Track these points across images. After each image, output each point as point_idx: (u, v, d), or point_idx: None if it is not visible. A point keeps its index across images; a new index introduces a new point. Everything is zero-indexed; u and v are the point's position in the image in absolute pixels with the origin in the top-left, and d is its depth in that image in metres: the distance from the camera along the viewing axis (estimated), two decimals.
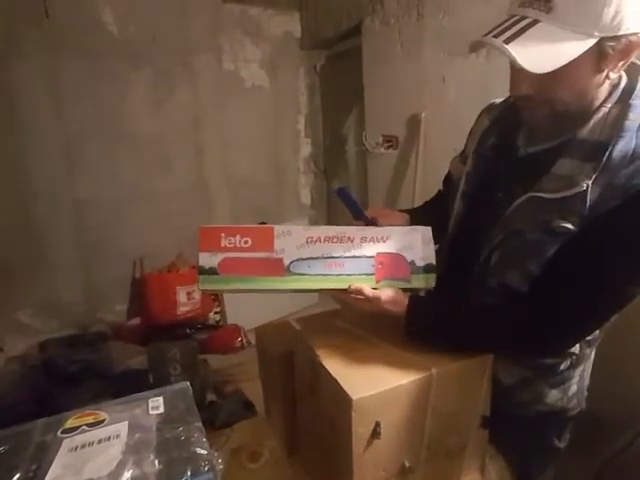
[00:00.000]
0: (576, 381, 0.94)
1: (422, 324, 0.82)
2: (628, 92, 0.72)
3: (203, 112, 3.05)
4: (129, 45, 2.73)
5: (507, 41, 0.66)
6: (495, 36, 0.69)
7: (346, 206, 0.95)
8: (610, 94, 0.73)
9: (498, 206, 0.82)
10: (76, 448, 0.66)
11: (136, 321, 2.86)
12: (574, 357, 0.89)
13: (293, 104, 3.44)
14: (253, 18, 3.14)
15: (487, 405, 0.84)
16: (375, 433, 0.71)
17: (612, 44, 0.65)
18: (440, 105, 2.22)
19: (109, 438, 0.68)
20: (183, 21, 2.88)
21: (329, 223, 3.65)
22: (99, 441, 0.68)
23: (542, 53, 0.64)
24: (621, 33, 0.63)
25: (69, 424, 0.72)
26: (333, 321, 0.99)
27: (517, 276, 0.80)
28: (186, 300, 2.85)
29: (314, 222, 3.59)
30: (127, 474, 0.61)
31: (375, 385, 0.70)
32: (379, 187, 2.75)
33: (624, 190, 0.67)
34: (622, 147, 0.68)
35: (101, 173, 2.78)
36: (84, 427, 0.71)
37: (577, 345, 0.86)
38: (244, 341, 2.65)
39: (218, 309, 3.05)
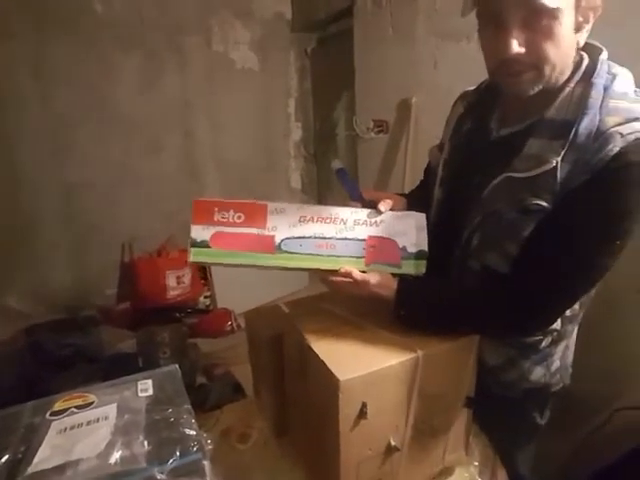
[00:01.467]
0: (558, 357, 0.96)
1: (411, 307, 0.83)
2: (589, 71, 0.75)
3: (192, 95, 3.00)
4: (116, 26, 2.66)
5: None
6: None
7: (343, 186, 0.96)
8: (573, 73, 0.76)
9: (475, 190, 0.84)
10: (65, 430, 0.67)
11: (125, 305, 2.85)
12: (555, 333, 0.91)
13: (283, 87, 3.40)
14: None
15: (472, 386, 0.86)
16: (362, 413, 0.72)
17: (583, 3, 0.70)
18: (431, 90, 2.21)
19: (98, 420, 0.69)
20: (172, 1, 2.81)
21: None
22: (88, 423, 0.68)
23: None
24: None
25: (58, 406, 0.72)
26: (322, 305, 0.99)
27: (496, 257, 0.83)
28: (176, 284, 2.84)
29: None
30: (116, 455, 0.62)
31: (362, 367, 0.71)
32: (369, 171, 2.74)
33: (591, 166, 0.69)
34: (587, 124, 0.70)
35: (89, 157, 2.74)
36: (73, 409, 0.71)
37: (558, 321, 0.88)
38: (234, 325, 2.66)
39: (208, 293, 3.05)
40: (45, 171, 2.63)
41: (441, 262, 0.90)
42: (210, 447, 0.71)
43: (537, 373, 0.95)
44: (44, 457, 0.61)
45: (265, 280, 3.10)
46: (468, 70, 1.97)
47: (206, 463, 0.64)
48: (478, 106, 0.94)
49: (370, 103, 2.69)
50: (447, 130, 1.00)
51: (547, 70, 0.72)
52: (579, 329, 1.02)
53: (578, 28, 0.72)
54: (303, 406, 0.89)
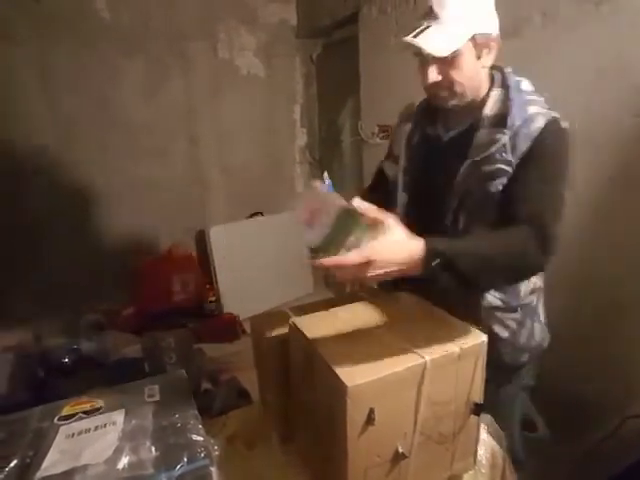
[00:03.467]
0: (543, 314, 1.19)
1: (447, 256, 0.81)
2: (503, 80, 1.06)
3: (197, 101, 3.03)
4: (122, 32, 2.70)
5: (415, 36, 0.97)
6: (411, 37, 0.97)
7: None
8: (492, 84, 1.07)
9: (443, 185, 1.07)
10: (73, 435, 0.67)
11: (131, 310, 2.86)
12: (539, 290, 1.14)
13: (289, 93, 3.42)
14: (249, 5, 3.10)
15: (480, 392, 0.85)
16: (369, 419, 0.71)
17: (480, 39, 0.98)
18: None
19: (105, 425, 0.69)
20: (177, 8, 2.84)
21: None
22: (95, 428, 0.68)
23: (440, 44, 0.96)
24: (482, 32, 0.98)
25: (65, 412, 0.72)
26: (328, 310, 0.99)
27: (483, 226, 1.03)
28: (181, 289, 2.85)
29: None
30: (124, 460, 0.62)
31: (369, 373, 0.71)
32: None
33: (529, 137, 0.97)
34: (517, 112, 0.99)
35: (95, 162, 2.76)
36: (80, 414, 0.71)
37: (541, 278, 1.13)
38: (239, 330, 2.66)
39: (213, 298, 3.05)
40: (51, 178, 2.66)
41: None
42: (217, 453, 0.71)
43: (538, 331, 1.16)
44: (52, 462, 0.62)
45: (271, 285, 3.11)
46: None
47: (213, 469, 0.64)
48: (421, 122, 1.18)
49: (375, 108, 2.69)
50: (398, 145, 1.21)
51: (457, 88, 1.02)
52: (586, 334, 1.04)
53: (479, 57, 1.01)
54: (310, 412, 0.88)
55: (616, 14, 1.47)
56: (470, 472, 0.92)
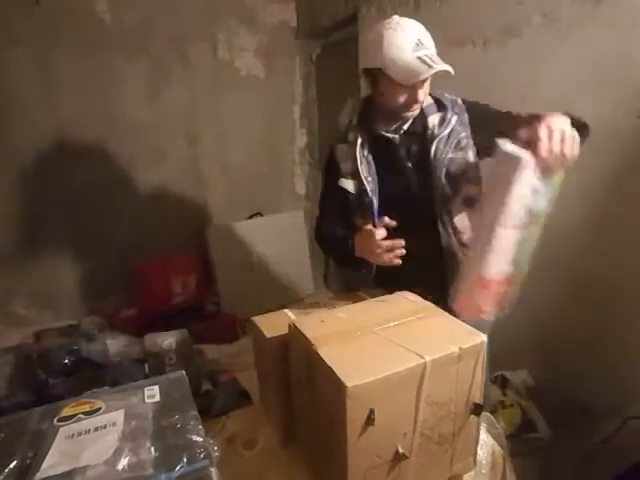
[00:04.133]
0: None
1: None
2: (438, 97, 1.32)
3: (198, 102, 3.03)
4: (122, 34, 2.70)
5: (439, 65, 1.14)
6: (431, 66, 1.13)
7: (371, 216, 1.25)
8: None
9: (421, 182, 1.27)
10: (72, 436, 0.67)
11: (131, 311, 2.86)
12: None
13: (288, 94, 3.42)
14: (248, 6, 3.11)
15: (480, 393, 0.85)
16: (369, 420, 0.72)
17: None
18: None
19: (105, 426, 0.69)
20: (178, 10, 2.84)
21: None
22: (95, 429, 0.68)
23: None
24: None
25: (65, 412, 0.72)
26: (328, 310, 0.99)
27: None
28: (181, 290, 2.85)
29: (309, 213, 3.59)
30: (124, 461, 0.62)
31: (369, 373, 0.71)
32: None
33: (462, 108, 1.30)
34: (451, 102, 1.30)
35: (95, 163, 2.76)
36: (80, 415, 0.71)
37: None
38: (239, 331, 2.66)
39: (213, 299, 3.05)
40: (51, 179, 2.66)
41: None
42: (217, 454, 0.71)
43: None
44: (52, 463, 0.61)
45: (270, 286, 3.11)
46: (472, 75, 1.99)
47: (213, 470, 0.64)
48: (363, 133, 1.32)
49: None
50: (345, 163, 1.32)
51: (422, 104, 1.26)
52: (586, 334, 1.03)
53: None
54: (310, 412, 0.88)
55: (616, 14, 1.47)
56: (470, 472, 0.92)
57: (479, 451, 0.94)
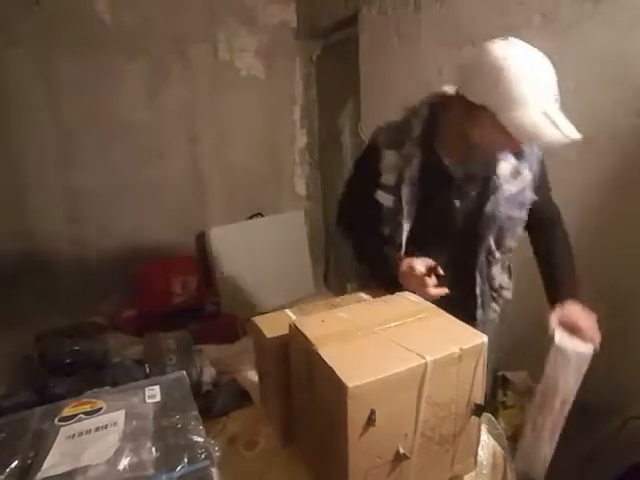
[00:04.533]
0: None
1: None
2: None
3: (198, 102, 3.03)
4: (123, 34, 2.70)
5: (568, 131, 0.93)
6: (560, 130, 0.93)
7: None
8: None
9: (460, 211, 1.18)
10: (73, 436, 0.67)
11: (132, 311, 2.86)
12: None
13: (289, 94, 3.42)
14: (249, 7, 3.11)
15: (481, 393, 0.85)
16: (370, 420, 0.71)
17: None
18: None
19: (106, 426, 0.69)
20: (178, 10, 2.84)
21: (324, 214, 3.65)
22: (96, 429, 0.68)
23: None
24: None
25: (66, 412, 0.72)
26: (328, 311, 0.99)
27: (513, 242, 1.23)
28: (181, 290, 2.85)
29: (310, 213, 3.59)
30: (125, 461, 0.62)
31: (370, 373, 0.71)
32: None
33: (539, 158, 1.18)
34: (523, 166, 1.15)
35: (95, 163, 2.76)
36: (81, 415, 0.71)
37: None
38: (240, 331, 2.66)
39: (214, 299, 3.05)
40: (51, 179, 2.66)
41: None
42: (218, 454, 0.71)
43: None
44: (53, 463, 0.61)
45: (271, 286, 3.11)
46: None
47: (214, 470, 0.64)
48: (419, 153, 1.14)
49: (375, 110, 2.70)
50: (388, 174, 1.18)
51: None
52: None
53: None
54: (310, 413, 0.88)
55: (616, 14, 1.47)
56: (471, 473, 0.92)
57: (480, 452, 0.94)
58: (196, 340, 1.63)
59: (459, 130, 1.07)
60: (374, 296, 1.12)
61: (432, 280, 1.10)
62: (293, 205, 3.56)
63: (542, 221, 1.25)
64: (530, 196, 1.15)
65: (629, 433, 1.34)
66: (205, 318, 2.90)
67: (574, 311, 1.13)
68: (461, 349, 0.78)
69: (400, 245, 1.20)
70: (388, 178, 1.18)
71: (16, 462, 0.61)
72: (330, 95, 3.36)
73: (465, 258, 1.22)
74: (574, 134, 0.91)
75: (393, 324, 0.86)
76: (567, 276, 1.23)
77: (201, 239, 3.12)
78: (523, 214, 1.17)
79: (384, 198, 1.20)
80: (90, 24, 2.61)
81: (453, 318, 0.91)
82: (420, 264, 1.11)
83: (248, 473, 0.94)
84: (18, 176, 2.58)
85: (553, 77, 0.96)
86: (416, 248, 1.18)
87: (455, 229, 1.20)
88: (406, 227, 1.19)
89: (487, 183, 1.14)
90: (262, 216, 3.34)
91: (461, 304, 1.11)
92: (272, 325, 1.00)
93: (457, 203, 1.17)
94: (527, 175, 1.13)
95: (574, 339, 1.08)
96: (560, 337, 1.07)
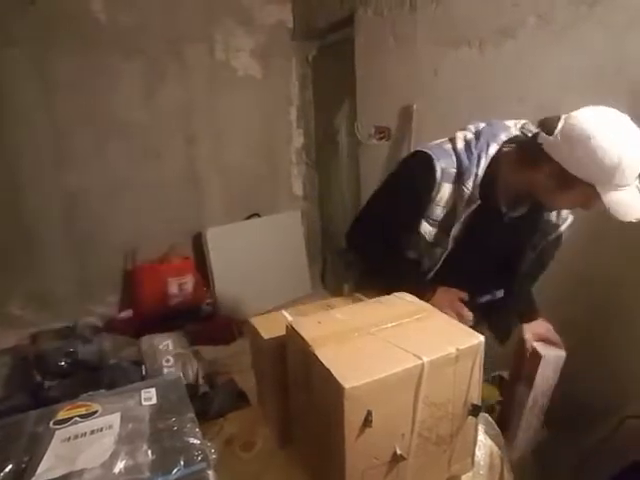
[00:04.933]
0: None
1: None
2: None
3: (194, 102, 3.02)
4: (119, 34, 2.69)
5: None
6: None
7: None
8: None
9: (495, 249, 1.23)
10: (69, 439, 0.67)
11: (128, 313, 2.86)
12: None
13: (285, 95, 3.42)
14: (245, 7, 3.10)
15: (478, 393, 0.85)
16: (367, 421, 0.71)
17: None
18: (432, 97, 2.22)
19: (102, 429, 0.68)
20: (174, 10, 2.84)
21: (321, 215, 3.65)
22: (92, 432, 0.68)
23: None
24: None
25: (61, 415, 0.72)
26: (325, 312, 0.99)
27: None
28: (178, 292, 2.85)
29: (306, 214, 3.59)
30: (120, 464, 0.62)
31: (367, 374, 0.71)
32: (371, 178, 2.75)
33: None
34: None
35: (91, 164, 2.75)
36: (76, 418, 0.71)
37: None
38: (236, 332, 2.65)
39: (210, 300, 3.05)
40: (47, 179, 2.65)
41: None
42: (214, 456, 0.70)
43: None
44: (48, 467, 0.61)
45: (268, 287, 3.10)
46: (468, 77, 2.00)
47: (210, 473, 0.64)
48: (479, 194, 1.11)
49: (371, 110, 2.70)
50: (438, 208, 1.14)
51: None
52: (584, 334, 1.05)
53: None
54: (307, 414, 0.88)
55: (610, 15, 1.48)
56: (468, 473, 0.92)
57: (477, 452, 0.94)
58: (192, 341, 1.64)
59: (532, 184, 1.05)
60: (370, 297, 1.12)
61: (467, 312, 1.11)
62: (290, 205, 3.55)
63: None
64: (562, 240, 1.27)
65: (626, 432, 1.34)
66: (201, 319, 2.89)
67: (542, 326, 1.30)
68: (458, 349, 0.78)
69: (427, 271, 1.21)
70: (438, 210, 1.14)
71: (10, 466, 0.61)
72: (326, 95, 3.36)
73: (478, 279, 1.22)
74: None
75: (390, 325, 0.86)
76: (529, 296, 1.37)
77: (198, 240, 3.12)
78: (553, 253, 1.32)
79: (427, 230, 1.17)
80: (86, 24, 2.60)
81: (449, 318, 0.91)
82: (462, 306, 1.12)
83: (245, 475, 0.93)
84: (14, 176, 2.56)
85: None
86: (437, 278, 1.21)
87: (486, 261, 1.24)
88: (442, 259, 1.19)
89: (534, 227, 1.23)
90: (259, 216, 3.34)
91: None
92: (269, 326, 1.00)
93: (497, 244, 1.21)
94: (569, 218, 1.24)
95: (548, 347, 1.26)
96: (543, 349, 1.24)
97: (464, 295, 1.14)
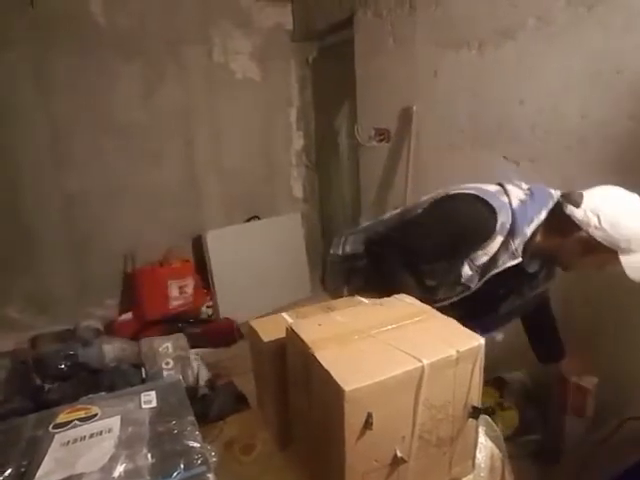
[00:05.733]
0: None
1: None
2: None
3: (193, 104, 3.02)
4: (117, 36, 2.69)
5: None
6: None
7: None
8: None
9: (499, 300, 1.32)
10: (68, 443, 0.66)
11: (128, 316, 2.85)
12: None
13: (284, 97, 3.42)
14: (244, 8, 3.11)
15: (478, 396, 0.85)
16: (367, 424, 0.71)
17: None
18: (431, 98, 2.22)
19: (101, 432, 0.68)
20: (172, 12, 2.84)
21: (321, 217, 3.65)
22: (91, 435, 0.68)
23: None
24: None
25: (61, 419, 0.71)
26: (325, 314, 0.99)
27: None
28: (178, 294, 2.84)
29: (306, 216, 3.59)
30: (120, 468, 0.61)
31: (367, 376, 0.71)
32: (371, 180, 2.75)
33: None
34: None
35: (90, 166, 2.75)
36: (76, 422, 0.71)
37: None
38: (236, 334, 2.65)
39: (210, 303, 3.04)
40: (46, 182, 2.64)
41: None
42: (214, 459, 0.70)
43: None
44: (47, 471, 0.61)
45: (268, 289, 3.10)
46: (467, 78, 2.00)
47: (210, 476, 0.63)
48: (520, 258, 1.19)
49: (372, 112, 2.70)
50: (483, 260, 1.21)
51: None
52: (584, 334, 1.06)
53: None
54: (307, 416, 0.88)
55: (609, 17, 1.48)
56: (469, 476, 0.92)
57: (478, 454, 0.94)
58: (193, 344, 1.63)
59: (560, 249, 1.19)
60: (370, 299, 1.11)
61: None
62: (290, 207, 3.55)
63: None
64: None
65: (627, 433, 1.34)
66: (202, 322, 2.89)
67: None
68: (458, 352, 0.78)
69: (439, 300, 1.25)
70: (484, 258, 1.20)
71: (10, 470, 0.61)
72: (326, 97, 3.37)
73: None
74: None
75: (390, 327, 0.86)
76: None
77: (198, 242, 3.11)
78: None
79: (467, 273, 1.23)
80: (85, 26, 2.60)
81: (450, 320, 0.91)
82: None
83: (245, 477, 0.93)
84: (13, 177, 2.56)
85: None
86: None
87: (491, 311, 1.31)
88: (460, 296, 1.26)
89: (537, 281, 1.32)
90: (259, 219, 3.34)
91: None
92: (269, 328, 1.00)
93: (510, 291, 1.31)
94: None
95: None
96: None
97: None
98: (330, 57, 3.23)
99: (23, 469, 0.61)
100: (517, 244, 1.16)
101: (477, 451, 0.93)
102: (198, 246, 3.10)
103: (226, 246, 3.04)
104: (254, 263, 3.09)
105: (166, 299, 2.82)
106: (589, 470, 1.36)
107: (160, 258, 2.88)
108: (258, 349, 1.03)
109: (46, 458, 0.63)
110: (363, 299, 1.17)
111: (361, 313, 0.97)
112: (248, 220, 3.32)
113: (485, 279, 1.22)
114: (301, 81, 3.44)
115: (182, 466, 0.62)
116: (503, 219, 1.14)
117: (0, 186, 2.54)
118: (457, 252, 1.21)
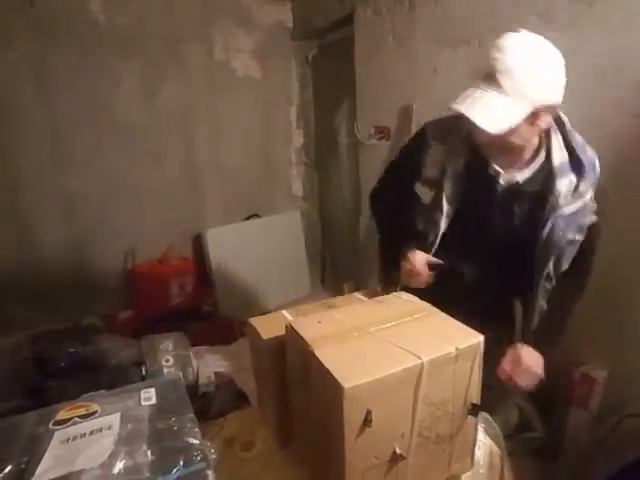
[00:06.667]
0: None
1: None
2: (559, 125, 1.07)
3: (193, 103, 3.02)
4: (117, 34, 2.69)
5: (470, 107, 0.94)
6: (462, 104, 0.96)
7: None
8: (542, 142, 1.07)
9: (497, 223, 1.12)
10: (68, 440, 0.67)
11: (128, 313, 2.85)
12: None
13: (284, 95, 3.41)
14: (244, 7, 3.10)
15: (477, 393, 0.85)
16: (366, 421, 0.71)
17: (539, 109, 0.95)
18: (431, 96, 2.21)
19: (101, 429, 0.69)
20: (172, 10, 2.83)
21: (321, 215, 3.64)
22: (91, 432, 0.68)
23: (496, 121, 0.91)
24: (545, 104, 0.95)
25: (61, 416, 0.72)
26: (325, 312, 0.99)
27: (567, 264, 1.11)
28: (178, 291, 2.84)
29: (306, 214, 3.59)
30: (119, 465, 0.62)
31: (366, 374, 0.71)
32: (371, 178, 2.73)
33: (596, 178, 1.06)
34: (584, 160, 1.05)
35: (90, 164, 2.75)
36: (76, 419, 0.71)
37: None
38: (237, 332, 2.65)
39: (210, 301, 3.05)
40: (46, 180, 2.65)
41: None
42: (214, 456, 0.70)
43: None
44: (47, 467, 0.61)
45: (267, 287, 3.10)
46: (467, 75, 1.99)
47: (210, 473, 0.63)
48: (468, 153, 1.11)
49: (371, 110, 2.70)
50: (432, 168, 1.14)
51: (515, 148, 1.04)
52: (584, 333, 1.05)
53: (533, 123, 0.98)
54: (307, 414, 0.88)
55: (610, 14, 1.48)
56: (468, 473, 0.92)
57: (477, 451, 0.94)
58: (193, 341, 1.63)
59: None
60: (370, 296, 1.12)
61: (426, 272, 1.15)
62: (289, 205, 3.55)
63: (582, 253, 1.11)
64: (590, 218, 1.06)
65: (626, 430, 1.34)
66: (202, 319, 2.89)
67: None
68: (457, 349, 0.78)
69: (432, 243, 1.17)
70: (431, 171, 1.14)
71: (10, 467, 0.61)
72: (326, 95, 3.36)
73: (500, 281, 1.15)
74: None
75: (389, 324, 0.86)
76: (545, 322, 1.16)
77: (198, 240, 3.12)
78: (582, 237, 1.07)
79: (423, 192, 1.16)
80: (85, 24, 2.59)
81: (449, 317, 0.91)
82: (421, 260, 1.15)
83: (245, 475, 0.93)
84: (13, 176, 2.56)
85: None
86: (445, 255, 1.16)
87: (491, 243, 1.13)
88: (442, 226, 1.14)
89: (542, 202, 1.05)
90: (258, 217, 3.34)
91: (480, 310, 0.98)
92: (268, 326, 1.00)
93: (498, 215, 1.11)
94: (588, 191, 1.03)
95: None
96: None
97: (433, 260, 1.16)
98: (330, 55, 3.22)
99: (23, 466, 0.61)
100: (455, 144, 1.11)
101: (476, 448, 0.93)
102: (198, 244, 3.11)
103: (226, 244, 3.04)
104: (254, 261, 3.09)
105: (166, 297, 2.83)
106: (589, 467, 1.37)
107: (160, 255, 2.89)
108: (258, 347, 1.04)
109: (46, 455, 0.63)
110: (362, 297, 1.17)
111: (360, 311, 0.97)
112: (248, 218, 3.32)
113: (448, 193, 1.12)
114: (301, 79, 3.43)
115: (181, 462, 0.62)
116: (435, 125, 1.19)
117: (0, 186, 2.54)
118: (410, 173, 1.19)
